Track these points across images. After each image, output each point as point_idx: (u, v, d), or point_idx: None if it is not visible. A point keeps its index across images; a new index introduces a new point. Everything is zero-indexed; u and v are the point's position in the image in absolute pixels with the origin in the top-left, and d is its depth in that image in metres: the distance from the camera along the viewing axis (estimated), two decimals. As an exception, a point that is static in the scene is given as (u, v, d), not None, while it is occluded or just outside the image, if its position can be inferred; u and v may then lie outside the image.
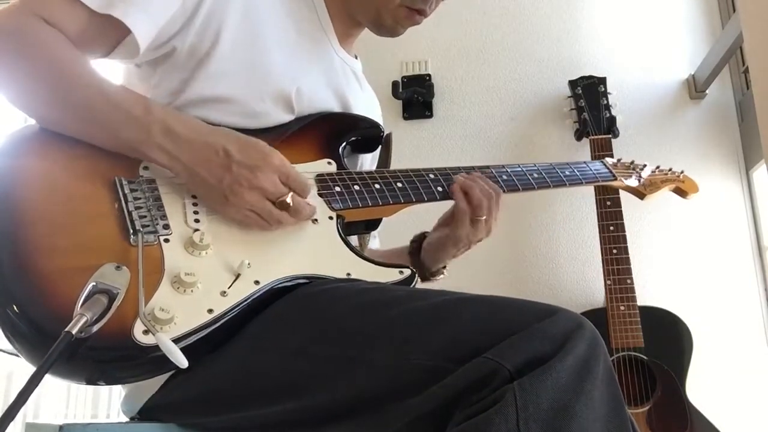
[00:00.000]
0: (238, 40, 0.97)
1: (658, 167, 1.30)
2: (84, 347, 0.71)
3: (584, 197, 2.11)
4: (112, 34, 0.90)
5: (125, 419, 0.95)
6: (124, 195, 0.84)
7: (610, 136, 2.01)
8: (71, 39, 0.87)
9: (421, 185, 1.01)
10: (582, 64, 2.25)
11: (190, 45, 0.94)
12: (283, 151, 0.88)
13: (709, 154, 2.13)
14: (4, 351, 0.77)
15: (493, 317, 0.67)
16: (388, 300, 0.76)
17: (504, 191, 1.06)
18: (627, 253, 1.86)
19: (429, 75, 2.32)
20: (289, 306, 0.82)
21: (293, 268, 0.86)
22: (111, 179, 0.85)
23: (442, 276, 1.13)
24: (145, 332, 0.73)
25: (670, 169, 1.31)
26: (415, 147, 2.27)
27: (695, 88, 2.17)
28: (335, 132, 1.04)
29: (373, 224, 1.03)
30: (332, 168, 0.99)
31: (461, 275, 2.06)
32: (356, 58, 1.17)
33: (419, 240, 1.13)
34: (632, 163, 1.28)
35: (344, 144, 1.04)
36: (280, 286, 0.84)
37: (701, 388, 1.82)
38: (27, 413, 2.36)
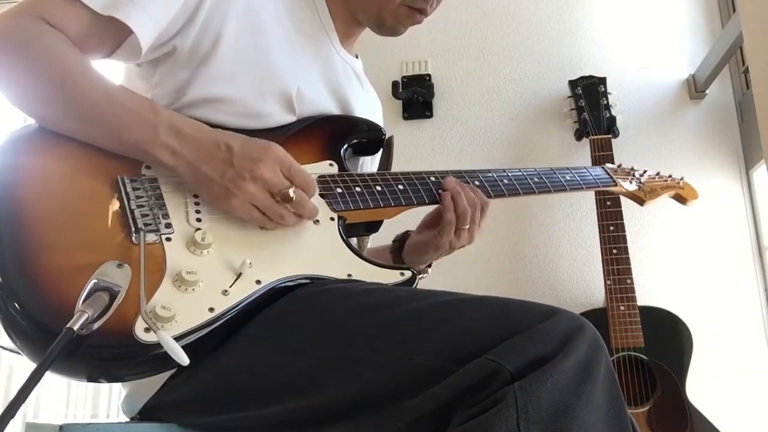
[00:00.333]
0: (239, 40, 0.97)
1: (658, 173, 1.31)
2: (85, 344, 0.71)
3: (584, 197, 2.11)
4: (115, 35, 0.90)
5: (125, 419, 0.95)
6: (126, 193, 0.84)
7: (610, 136, 2.01)
8: (73, 40, 0.87)
9: (422, 187, 1.01)
10: (582, 64, 2.25)
11: (191, 44, 0.94)
12: (285, 152, 0.88)
13: (709, 154, 2.13)
14: (5, 348, 0.77)
15: (494, 318, 0.67)
16: (389, 300, 0.76)
17: (505, 195, 1.06)
18: (627, 253, 1.86)
19: (429, 75, 2.32)
20: (289, 306, 0.82)
21: (294, 268, 0.86)
22: (113, 178, 0.85)
23: (426, 275, 1.12)
24: (147, 330, 0.73)
25: (670, 176, 1.32)
26: (415, 147, 2.28)
27: (695, 88, 2.17)
28: (337, 134, 1.04)
29: (373, 226, 1.03)
30: (334, 169, 0.99)
31: (462, 275, 2.08)
32: (357, 57, 1.17)
33: (401, 240, 1.13)
34: (632, 168, 1.28)
35: (346, 146, 1.04)
36: (281, 285, 0.84)
37: (701, 388, 1.82)
38: (27, 413, 2.36)
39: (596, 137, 2.01)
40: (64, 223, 0.79)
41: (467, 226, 1.00)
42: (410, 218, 1.05)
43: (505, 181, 1.07)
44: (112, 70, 0.99)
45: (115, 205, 0.83)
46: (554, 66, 2.28)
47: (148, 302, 0.75)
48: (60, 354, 0.67)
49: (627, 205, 1.88)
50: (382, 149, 1.14)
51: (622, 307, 1.82)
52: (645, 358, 1.78)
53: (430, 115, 2.30)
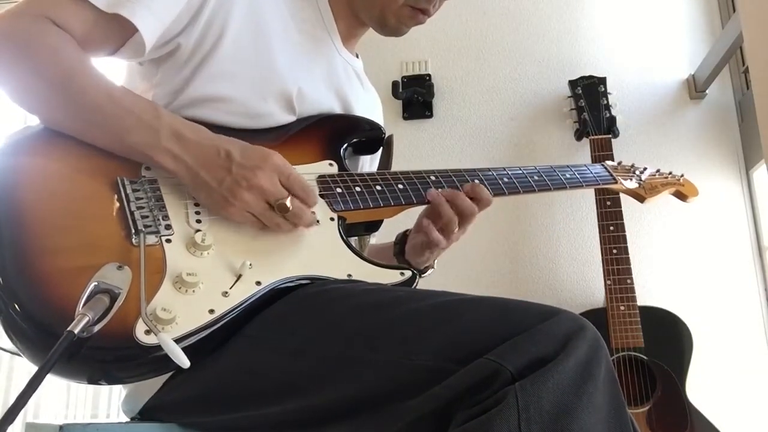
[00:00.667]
0: (240, 40, 0.97)
1: (658, 170, 1.30)
2: (86, 347, 0.71)
3: (584, 197, 2.11)
4: (119, 33, 0.90)
5: (125, 419, 0.95)
6: (126, 195, 0.84)
7: (610, 136, 2.01)
8: (78, 39, 0.87)
9: (422, 187, 1.01)
10: (582, 64, 2.25)
11: (194, 43, 0.95)
12: (284, 152, 0.88)
13: (709, 154, 2.13)
14: (5, 350, 0.77)
15: (494, 318, 0.67)
16: (389, 301, 0.76)
17: (505, 194, 1.06)
18: (627, 253, 1.86)
19: (429, 75, 2.32)
20: (289, 306, 0.82)
21: (294, 269, 0.86)
22: (113, 179, 0.85)
23: (431, 270, 1.12)
24: (147, 332, 0.73)
25: (671, 173, 1.31)
26: (415, 147, 2.27)
27: (695, 88, 2.17)
28: (336, 133, 1.04)
29: (373, 226, 1.03)
30: (333, 169, 0.99)
31: (462, 275, 2.08)
32: (357, 57, 1.17)
33: (402, 242, 1.12)
34: (632, 166, 1.28)
35: (345, 145, 1.04)
36: (281, 286, 0.84)
37: (701, 388, 1.82)
38: (27, 413, 2.36)
39: (596, 137, 2.01)
40: (65, 224, 0.79)
41: (455, 231, 1.00)
42: (410, 218, 1.05)
43: (505, 180, 1.07)
44: (114, 70, 0.99)
45: (115, 207, 0.83)
46: (554, 66, 2.28)
47: (148, 304, 0.75)
48: (61, 357, 0.67)
49: (627, 205, 1.88)
50: (381, 148, 1.14)
51: (622, 307, 1.82)
52: (645, 358, 1.78)
53: (430, 115, 2.30)
